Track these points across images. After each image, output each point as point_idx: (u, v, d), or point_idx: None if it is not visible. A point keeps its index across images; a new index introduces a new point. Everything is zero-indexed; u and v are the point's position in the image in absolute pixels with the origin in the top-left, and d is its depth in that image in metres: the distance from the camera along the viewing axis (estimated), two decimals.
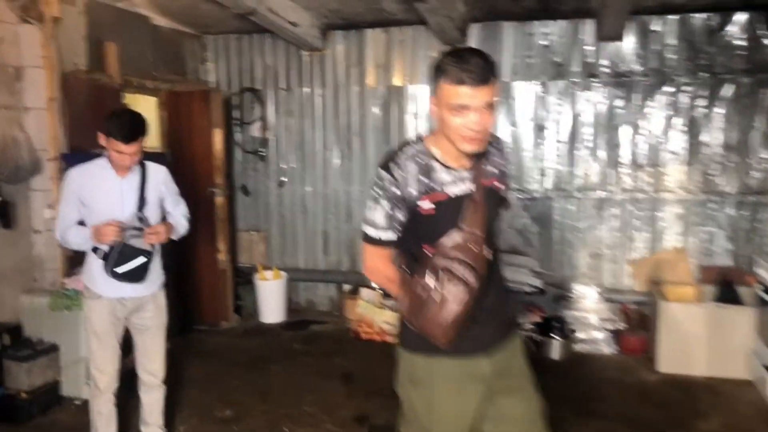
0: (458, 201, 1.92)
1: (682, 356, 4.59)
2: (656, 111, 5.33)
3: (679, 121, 5.30)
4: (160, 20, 5.64)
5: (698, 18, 5.17)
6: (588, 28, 5.37)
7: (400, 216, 1.95)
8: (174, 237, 3.32)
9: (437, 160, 1.94)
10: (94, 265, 3.10)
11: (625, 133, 5.41)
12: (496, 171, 2.06)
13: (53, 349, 4.06)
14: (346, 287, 6.12)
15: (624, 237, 5.48)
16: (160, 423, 3.43)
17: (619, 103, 5.40)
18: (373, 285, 5.83)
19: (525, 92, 5.61)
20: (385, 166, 1.95)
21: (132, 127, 2.97)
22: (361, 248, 2.05)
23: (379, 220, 1.96)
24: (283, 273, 6.13)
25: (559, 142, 5.57)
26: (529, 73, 5.59)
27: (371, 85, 6.00)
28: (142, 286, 3.17)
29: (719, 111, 5.22)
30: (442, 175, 1.93)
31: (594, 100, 5.45)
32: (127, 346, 3.30)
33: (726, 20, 5.13)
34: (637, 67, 5.33)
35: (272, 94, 6.26)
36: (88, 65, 4.74)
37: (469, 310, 1.85)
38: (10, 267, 4.16)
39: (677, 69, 5.25)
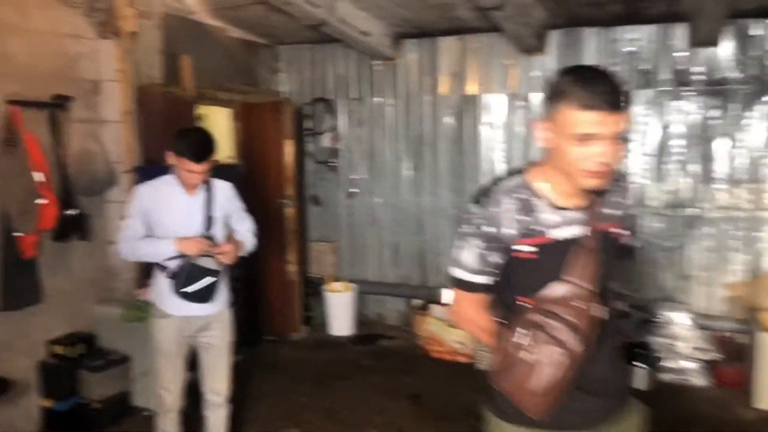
0: (564, 247, 1.65)
1: None
2: (756, 122, 4.88)
3: None
4: (233, 32, 5.67)
5: None
6: (679, 33, 4.99)
7: (495, 258, 1.71)
8: (242, 254, 3.26)
9: (542, 197, 1.68)
10: (162, 283, 3.08)
11: (720, 145, 4.99)
12: (616, 213, 1.76)
13: (125, 360, 4.10)
14: (416, 302, 5.96)
15: (719, 258, 5.05)
16: None
17: (714, 113, 4.98)
18: (445, 302, 5.66)
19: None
20: (478, 201, 1.73)
21: (203, 147, 2.93)
22: (451, 291, 1.83)
23: (470, 261, 1.73)
24: (352, 285, 6.04)
25: (645, 155, 5.20)
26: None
27: (444, 95, 5.82)
28: (210, 305, 3.13)
29: None
30: (546, 214, 1.67)
31: (685, 110, 5.06)
32: (192, 363, 3.27)
33: None
34: (735, 75, 4.89)
35: (344, 104, 6.19)
36: (163, 78, 4.79)
37: (569, 378, 1.60)
38: (86, 277, 4.24)
39: None
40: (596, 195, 1.69)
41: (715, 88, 4.95)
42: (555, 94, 1.60)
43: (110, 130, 4.37)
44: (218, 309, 3.20)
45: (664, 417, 4.15)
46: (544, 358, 1.58)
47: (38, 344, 3.94)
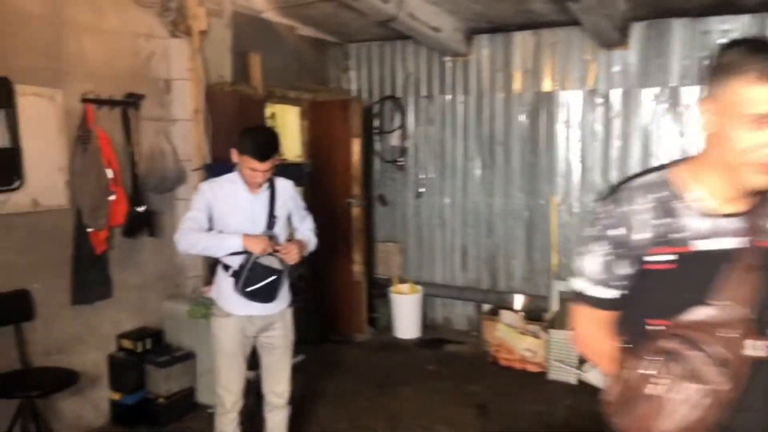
0: (712, 261, 1.35)
1: None
2: None
3: None
4: (302, 30, 5.65)
5: None
6: None
7: (624, 268, 1.44)
8: (304, 254, 3.19)
9: (689, 199, 1.40)
10: (224, 282, 3.04)
11: None
12: None
13: (190, 356, 4.12)
14: (486, 307, 5.75)
15: None
16: None
17: None
18: (516, 308, 5.44)
19: (697, 99, 4.92)
20: (608, 200, 1.46)
21: (267, 145, 2.87)
22: (570, 307, 1.57)
23: (594, 270, 1.47)
24: (418, 287, 5.91)
25: None
26: (703, 77, 4.88)
27: (517, 92, 5.59)
28: (272, 305, 3.07)
29: None
30: (691, 220, 1.38)
31: None
32: (255, 363, 3.23)
33: None
34: None
35: (413, 102, 6.06)
36: (232, 77, 4.81)
37: (709, 424, 1.31)
38: (154, 273, 4.30)
39: None
40: (763, 199, 1.39)
41: None
42: (722, 68, 1.31)
43: (180, 128, 4.41)
44: (280, 309, 3.14)
45: None
46: (678, 396, 1.30)
47: (108, 338, 4.01)
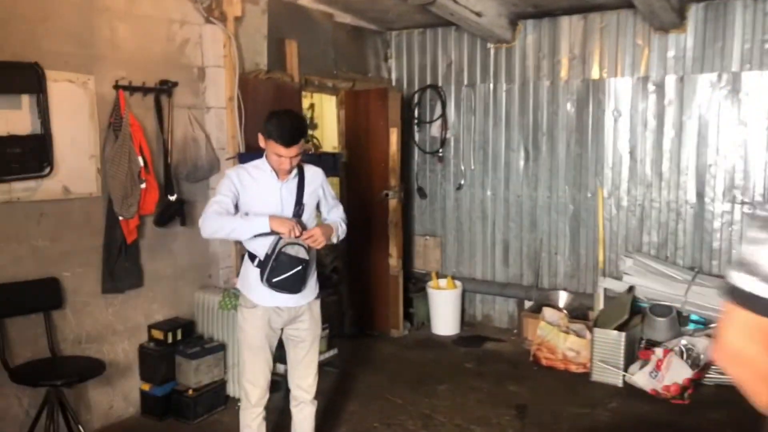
0: None
1: None
2: None
3: None
4: (341, 17, 5.52)
5: None
6: None
7: None
8: (334, 240, 3.06)
9: None
10: (250, 273, 2.94)
11: None
12: None
13: (221, 348, 4.05)
14: (527, 304, 5.53)
15: None
16: None
17: None
18: (559, 306, 5.21)
19: (760, 85, 4.58)
20: None
21: (292, 130, 2.74)
22: (721, 311, 1.23)
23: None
24: (457, 283, 5.73)
25: None
26: (767, 61, 4.54)
27: (564, 79, 5.33)
28: (298, 296, 2.95)
29: None
30: None
31: None
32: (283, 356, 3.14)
33: None
34: None
35: (454, 91, 5.87)
36: (268, 64, 4.72)
37: None
38: (186, 263, 4.24)
39: None
40: None
41: None
42: None
43: (214, 116, 4.34)
44: (307, 300, 3.02)
45: None
46: None
47: (139, 328, 3.97)
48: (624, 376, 4.41)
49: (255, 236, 2.80)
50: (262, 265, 2.84)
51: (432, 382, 4.54)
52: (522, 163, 5.58)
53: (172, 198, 4.01)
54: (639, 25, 4.93)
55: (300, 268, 2.85)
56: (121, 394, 3.88)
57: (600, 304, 4.99)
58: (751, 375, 1.18)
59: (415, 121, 6.05)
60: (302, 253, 2.85)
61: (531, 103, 5.49)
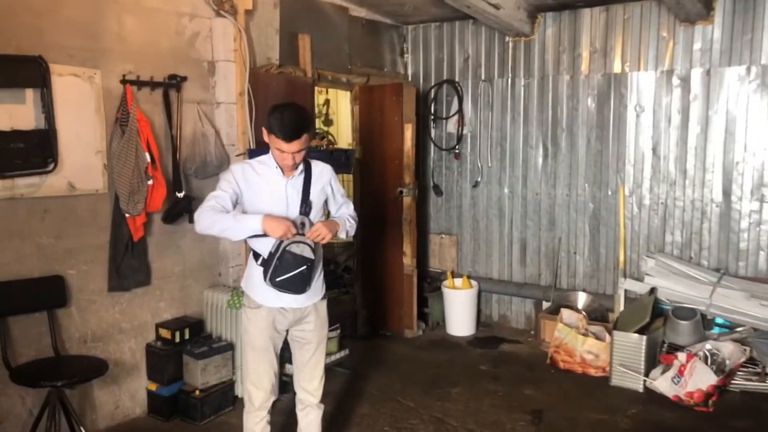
0: None
1: None
2: None
3: None
4: (356, 11, 5.41)
5: None
6: None
7: None
8: (342, 236, 2.95)
9: None
10: (254, 272, 2.84)
11: None
12: None
13: (229, 347, 3.97)
14: (545, 305, 5.39)
15: None
16: None
17: None
18: (578, 307, 5.06)
19: None
20: None
21: (293, 124, 2.61)
22: None
23: None
24: (473, 282, 5.61)
25: None
26: None
27: (585, 74, 5.17)
28: (304, 297, 2.85)
29: None
30: None
31: None
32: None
33: None
34: None
35: (471, 86, 5.73)
36: (280, 59, 4.63)
37: None
38: (195, 261, 4.17)
39: None
40: None
41: None
42: None
43: (224, 111, 4.26)
44: (313, 301, 2.92)
45: None
46: None
47: (146, 327, 3.91)
48: (645, 381, 4.25)
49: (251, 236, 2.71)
50: (265, 264, 2.74)
51: (445, 384, 4.42)
52: (540, 159, 5.43)
53: (180, 195, 3.93)
54: (664, 16, 4.75)
55: (305, 267, 2.75)
56: (128, 394, 3.83)
57: (620, 306, 4.83)
58: None
59: (432, 117, 5.92)
60: (308, 252, 2.74)
61: (550, 98, 5.34)
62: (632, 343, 4.30)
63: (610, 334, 4.46)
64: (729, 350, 4.20)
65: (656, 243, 5.01)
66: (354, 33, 5.44)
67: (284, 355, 3.42)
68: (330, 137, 7.24)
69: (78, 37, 3.45)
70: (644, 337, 4.27)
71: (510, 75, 5.52)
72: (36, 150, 3.24)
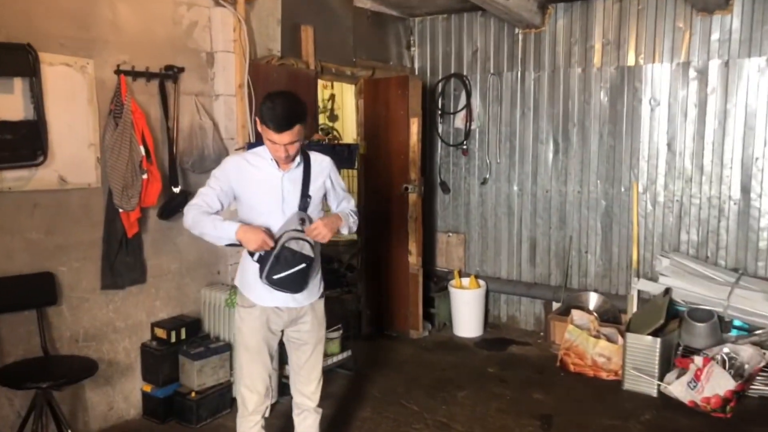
0: None
1: None
2: None
3: None
4: (362, 2, 5.27)
5: None
6: None
7: None
8: (344, 232, 2.80)
9: None
10: (248, 269, 2.71)
11: None
12: None
13: (227, 348, 3.84)
14: (555, 306, 5.23)
15: None
16: None
17: None
18: (589, 308, 4.90)
19: None
20: None
21: (285, 114, 2.46)
22: None
23: None
24: (481, 282, 5.45)
25: None
26: None
27: (597, 66, 5.00)
28: (301, 296, 2.71)
29: None
30: None
31: None
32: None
33: None
34: None
35: (480, 79, 5.57)
36: (282, 50, 4.49)
37: None
38: (193, 259, 4.04)
39: None
40: None
41: None
42: None
43: (223, 104, 4.12)
44: (310, 301, 2.78)
45: None
46: None
47: (141, 326, 3.78)
48: (659, 385, 4.08)
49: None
50: (261, 260, 2.60)
51: (451, 387, 4.27)
52: (551, 155, 5.27)
53: (177, 190, 3.80)
54: (680, 6, 4.58)
55: (304, 265, 2.60)
56: (122, 395, 3.70)
57: (633, 307, 4.66)
58: None
59: (439, 112, 5.77)
60: (307, 249, 2.60)
61: (561, 91, 5.17)
62: (646, 346, 4.13)
63: (623, 336, 4.30)
64: (748, 354, 4.02)
65: (671, 242, 4.83)
66: (359, 25, 5.29)
67: (284, 356, 3.28)
68: (335, 133, 7.09)
69: (70, 25, 3.32)
70: (658, 340, 4.10)
71: (520, 68, 5.36)
72: (25, 142, 3.12)
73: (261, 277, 2.60)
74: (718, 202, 4.63)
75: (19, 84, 3.10)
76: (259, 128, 2.58)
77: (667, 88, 4.73)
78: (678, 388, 3.98)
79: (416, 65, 5.90)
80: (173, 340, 3.76)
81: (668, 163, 4.79)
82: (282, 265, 2.57)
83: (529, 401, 4.08)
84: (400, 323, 5.30)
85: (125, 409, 3.72)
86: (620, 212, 5.01)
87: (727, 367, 3.95)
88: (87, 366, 3.09)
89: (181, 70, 3.87)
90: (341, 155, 4.31)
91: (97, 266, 3.52)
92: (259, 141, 3.76)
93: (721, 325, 4.31)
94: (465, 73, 5.62)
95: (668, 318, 4.31)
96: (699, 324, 4.25)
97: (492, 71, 5.49)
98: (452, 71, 5.68)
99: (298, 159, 2.67)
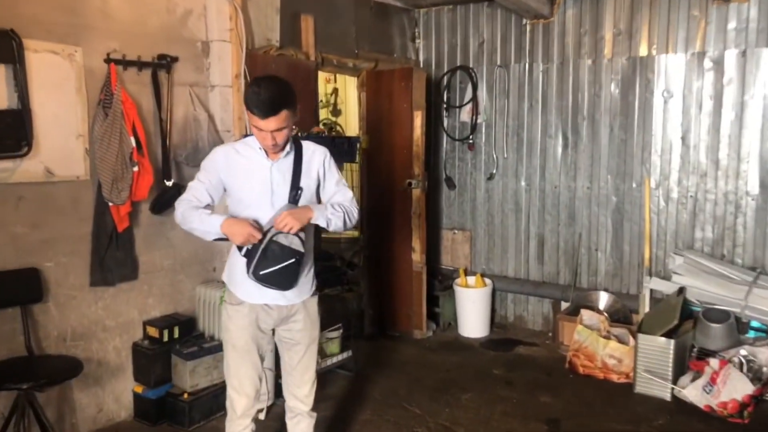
0: None
1: None
2: None
3: None
4: None
5: None
6: None
7: None
8: (322, 224, 2.54)
9: None
10: (236, 264, 2.56)
11: None
12: None
13: (221, 347, 3.66)
14: (564, 305, 5.06)
15: None
16: None
17: None
18: (599, 308, 4.73)
19: None
20: None
21: (271, 98, 2.31)
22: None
23: None
24: (487, 281, 5.30)
25: None
26: None
27: (608, 57, 4.82)
28: (291, 293, 2.56)
29: None
30: None
31: None
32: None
33: None
34: None
35: (486, 72, 5.40)
36: (281, 41, 4.35)
37: None
38: (187, 255, 3.91)
39: None
40: None
41: None
42: None
43: (219, 95, 4.00)
44: (302, 298, 2.63)
45: None
46: None
47: (132, 324, 3.65)
48: (673, 389, 3.91)
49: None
50: (249, 255, 2.45)
51: (455, 389, 4.12)
52: (560, 150, 5.10)
53: (170, 183, 3.67)
54: None
55: (293, 260, 2.46)
56: (112, 396, 3.57)
57: (645, 307, 4.51)
58: None
59: (444, 105, 5.61)
60: (297, 244, 2.45)
61: (570, 84, 5.00)
62: (659, 348, 3.96)
63: (635, 337, 4.13)
64: (766, 356, 3.85)
65: (685, 239, 4.65)
66: (362, 16, 5.15)
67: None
68: (338, 128, 6.95)
69: (57, 11, 3.19)
70: (672, 341, 3.92)
71: (528, 60, 5.19)
72: (8, 131, 2.99)
73: (248, 272, 2.46)
74: (735, 197, 4.45)
75: (2, 71, 2.98)
76: (246, 115, 2.44)
77: (681, 79, 4.55)
78: (693, 392, 3.81)
79: (421, 57, 5.75)
80: (166, 339, 3.63)
81: (682, 157, 4.61)
82: (270, 260, 2.43)
83: (536, 404, 3.92)
84: (403, 323, 5.15)
85: (115, 411, 3.59)
86: (632, 209, 4.83)
87: (744, 370, 3.79)
88: (71, 366, 2.96)
89: (175, 59, 3.74)
90: (341, 148, 4.17)
91: (86, 262, 3.40)
92: None
93: (738, 326, 4.14)
94: (471, 66, 5.45)
95: (682, 318, 4.13)
96: (715, 325, 4.08)
97: (499, 63, 5.33)
98: (458, 63, 5.52)
99: (288, 148, 2.52)
